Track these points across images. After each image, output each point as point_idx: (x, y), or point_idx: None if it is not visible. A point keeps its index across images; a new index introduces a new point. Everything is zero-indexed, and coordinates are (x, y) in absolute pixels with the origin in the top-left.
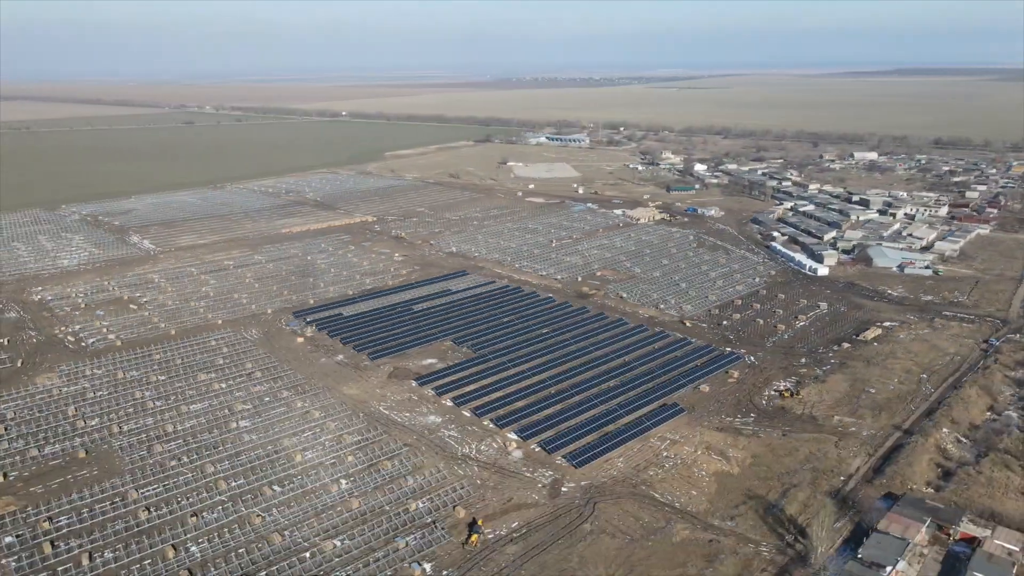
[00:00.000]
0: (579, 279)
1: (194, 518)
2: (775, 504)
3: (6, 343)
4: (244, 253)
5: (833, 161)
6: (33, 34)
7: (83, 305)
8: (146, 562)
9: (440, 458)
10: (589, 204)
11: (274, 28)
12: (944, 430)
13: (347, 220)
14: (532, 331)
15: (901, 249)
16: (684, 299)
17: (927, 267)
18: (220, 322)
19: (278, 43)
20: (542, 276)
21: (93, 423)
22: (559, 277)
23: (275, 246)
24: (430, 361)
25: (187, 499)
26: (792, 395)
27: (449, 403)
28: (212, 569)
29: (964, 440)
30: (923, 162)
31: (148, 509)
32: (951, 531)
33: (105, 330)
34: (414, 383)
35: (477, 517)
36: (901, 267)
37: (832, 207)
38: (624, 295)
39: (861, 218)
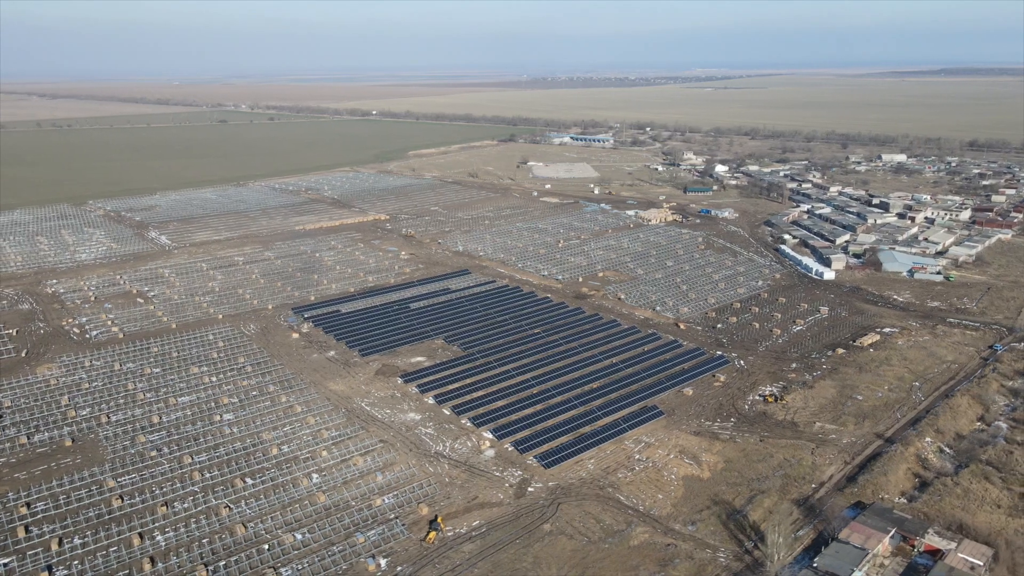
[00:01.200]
0: (580, 279)
1: (164, 508)
2: (739, 510)
3: (15, 333)
4: (255, 249)
5: (859, 163)
6: (84, 35)
7: (93, 298)
8: (112, 549)
9: (412, 455)
10: (602, 205)
11: (318, 29)
12: (927, 439)
13: (360, 218)
14: (524, 331)
15: (914, 253)
16: (683, 301)
17: (938, 272)
18: (221, 317)
19: (322, 43)
20: (544, 276)
21: (84, 413)
22: (560, 277)
23: (286, 243)
24: (418, 359)
25: (160, 489)
26: (776, 400)
27: (431, 401)
28: (173, 558)
29: (947, 450)
30: (953, 165)
31: (122, 498)
32: (916, 543)
33: (110, 323)
34: (399, 380)
35: (439, 515)
36: (911, 272)
37: (850, 210)
38: (622, 296)
39: (878, 222)
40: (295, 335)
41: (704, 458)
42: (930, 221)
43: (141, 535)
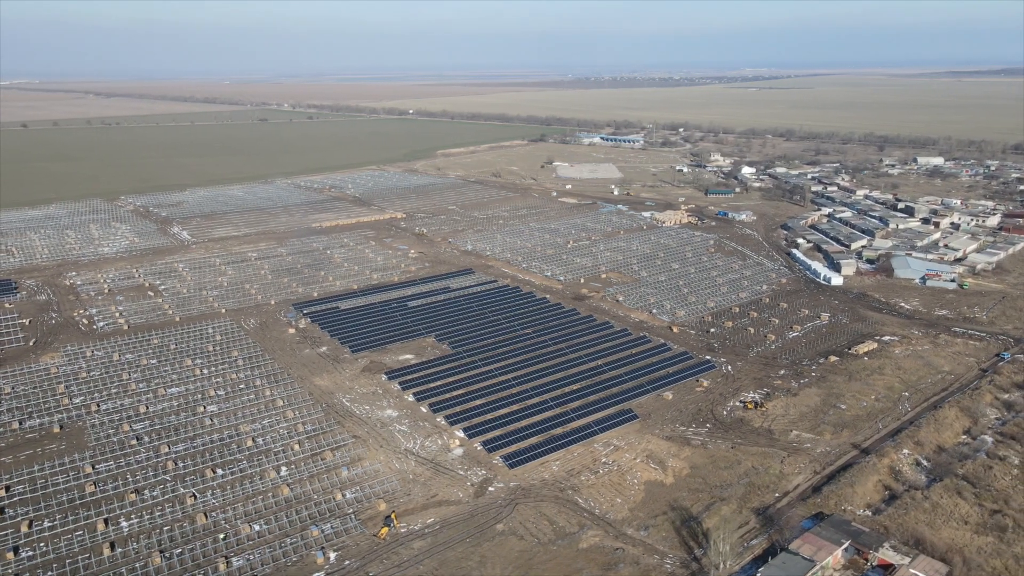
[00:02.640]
0: (582, 280)
1: (134, 495)
2: (695, 517)
3: (27, 323)
4: (270, 245)
5: (893, 166)
6: (146, 35)
7: (107, 291)
8: (77, 533)
9: (382, 452)
10: (619, 206)
11: (374, 28)
12: (904, 451)
13: (377, 216)
14: (516, 331)
15: (930, 260)
16: (681, 304)
17: (952, 280)
18: (224, 311)
19: (376, 43)
20: (546, 276)
21: (76, 401)
22: (562, 278)
23: (300, 239)
24: (406, 356)
25: (134, 477)
26: (756, 407)
27: (410, 398)
28: (133, 543)
29: (924, 463)
30: (992, 168)
31: (96, 484)
32: (870, 556)
33: (117, 315)
34: (383, 377)
35: (396, 511)
36: (924, 279)
37: (873, 214)
38: (621, 298)
39: (900, 226)
40: (291, 330)
41: (670, 463)
42: (955, 226)
43: (107, 520)
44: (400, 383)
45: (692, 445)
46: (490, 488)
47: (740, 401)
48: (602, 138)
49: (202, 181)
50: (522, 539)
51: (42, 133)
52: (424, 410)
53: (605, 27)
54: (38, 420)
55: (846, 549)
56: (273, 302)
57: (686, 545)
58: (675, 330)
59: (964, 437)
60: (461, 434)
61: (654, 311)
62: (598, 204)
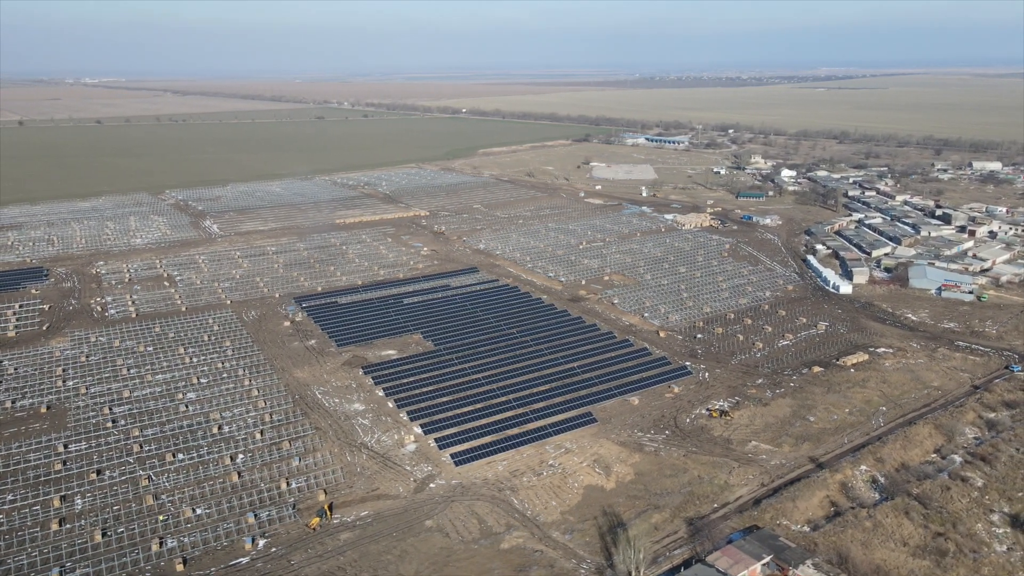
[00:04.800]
0: (583, 282)
1: (95, 475)
2: (624, 523)
3: (47, 309)
4: (290, 240)
5: (945, 170)
6: (224, 35)
7: (127, 280)
8: (34, 508)
9: (337, 444)
10: (643, 208)
11: (444, 28)
12: (862, 467)
13: (401, 214)
14: (502, 330)
15: (953, 270)
16: (677, 309)
17: (970, 291)
18: (229, 302)
19: (446, 43)
20: (549, 277)
21: (69, 384)
22: (563, 279)
23: (321, 235)
24: (388, 352)
25: (100, 457)
26: (722, 415)
27: (380, 393)
28: (81, 520)
29: (881, 480)
30: None
31: (64, 462)
32: (789, 573)
33: (130, 303)
34: (360, 372)
35: (333, 503)
36: (939, 290)
37: (906, 221)
38: (616, 301)
39: (933, 234)
40: (287, 323)
41: (616, 469)
42: (992, 235)
43: (64, 498)
44: (374, 378)
45: (644, 451)
46: (431, 485)
47: (706, 409)
48: (646, 139)
49: (246, 176)
50: (447, 536)
51: (113, 129)
52: (390, 405)
53: (681, 26)
54: (29, 400)
55: (766, 564)
56: (277, 295)
57: (607, 551)
58: (662, 335)
59: (934, 456)
60: (418, 430)
61: (646, 315)
62: (623, 205)
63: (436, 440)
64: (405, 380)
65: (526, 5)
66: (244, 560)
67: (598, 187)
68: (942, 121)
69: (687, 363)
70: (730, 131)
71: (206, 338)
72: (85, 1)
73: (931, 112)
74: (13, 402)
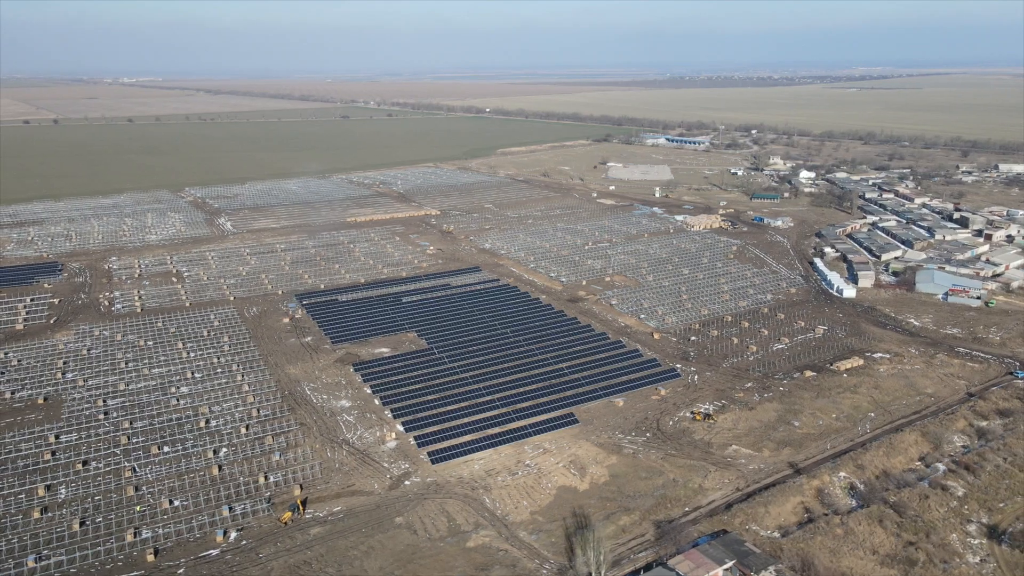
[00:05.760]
0: (584, 283)
1: (81, 465)
2: (592, 525)
3: (56, 303)
4: (300, 238)
5: (970, 172)
6: (261, 35)
7: (137, 275)
8: (19, 496)
9: (319, 440)
10: (654, 208)
11: (473, 28)
12: (841, 474)
13: (412, 213)
14: (496, 330)
15: (963, 275)
16: (675, 311)
17: (978, 297)
18: (232, 299)
19: (479, 42)
20: (550, 278)
21: (68, 376)
22: (564, 279)
23: (330, 233)
24: (381, 350)
25: (88, 448)
26: (705, 419)
27: (367, 390)
28: (62, 509)
29: (860, 487)
30: None
31: (53, 453)
32: None
33: (136, 298)
34: (351, 369)
35: (307, 498)
36: (946, 295)
37: (921, 224)
38: (614, 302)
39: (948, 237)
40: (286, 320)
41: (591, 470)
42: (1010, 239)
43: (49, 487)
44: (363, 375)
45: (622, 453)
46: (406, 482)
47: (691, 412)
48: (667, 139)
49: (265, 175)
50: (415, 534)
51: (143, 128)
52: (376, 402)
53: (715, 25)
54: (28, 392)
55: (728, 569)
56: (280, 292)
57: (572, 552)
58: (656, 337)
59: (918, 464)
60: (400, 428)
61: (642, 316)
62: (634, 206)
63: (416, 438)
64: (394, 378)
65: (565, 5)
66: (214, 552)
67: (612, 187)
68: (974, 122)
69: (677, 365)
70: (753, 131)
71: (205, 333)
72: (131, 2)
73: (963, 113)
74: (12, 393)
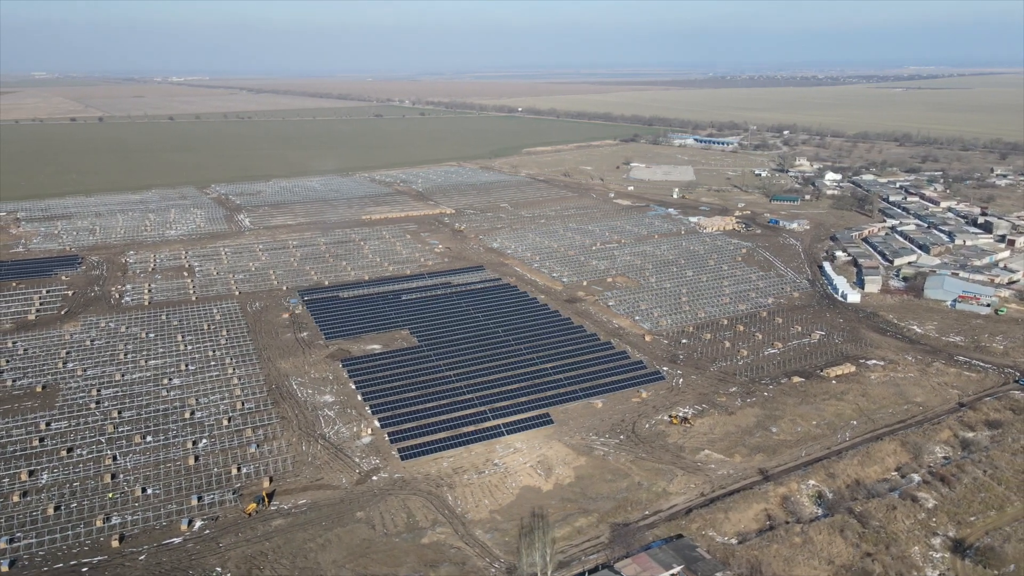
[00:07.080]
0: (584, 283)
1: (66, 452)
2: (542, 526)
3: (70, 294)
4: (314, 234)
5: (1004, 176)
6: (306, 35)
7: (151, 269)
8: (4, 479)
9: (296, 434)
10: (670, 209)
11: (514, 27)
12: (810, 482)
13: (427, 211)
14: (488, 329)
15: (976, 281)
16: (672, 312)
17: (988, 304)
18: (238, 293)
19: (519, 41)
20: (552, 278)
21: (69, 366)
22: (565, 280)
23: (343, 230)
24: (373, 347)
25: (75, 436)
26: (682, 422)
27: (352, 386)
28: (42, 493)
29: (828, 495)
30: None
31: (42, 439)
32: None
33: (146, 292)
34: (340, 364)
35: (275, 490)
36: (955, 302)
37: (942, 228)
38: (612, 303)
39: (968, 243)
40: (285, 315)
41: (557, 471)
42: None
43: (32, 472)
44: (349, 371)
45: (592, 455)
46: (374, 478)
47: (668, 415)
48: (695, 139)
49: (291, 172)
50: (372, 528)
51: (182, 125)
52: (359, 398)
53: (761, 24)
54: (28, 380)
55: (675, 574)
56: (285, 288)
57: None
58: (648, 339)
59: (893, 474)
60: (377, 424)
61: (637, 318)
62: (649, 207)
63: (390, 434)
64: (379, 374)
65: (602, 5)
66: (177, 540)
67: (630, 188)
68: (1018, 123)
69: (664, 368)
70: (785, 132)
71: (206, 327)
72: (185, 4)
73: (1007, 113)
74: (14, 381)
